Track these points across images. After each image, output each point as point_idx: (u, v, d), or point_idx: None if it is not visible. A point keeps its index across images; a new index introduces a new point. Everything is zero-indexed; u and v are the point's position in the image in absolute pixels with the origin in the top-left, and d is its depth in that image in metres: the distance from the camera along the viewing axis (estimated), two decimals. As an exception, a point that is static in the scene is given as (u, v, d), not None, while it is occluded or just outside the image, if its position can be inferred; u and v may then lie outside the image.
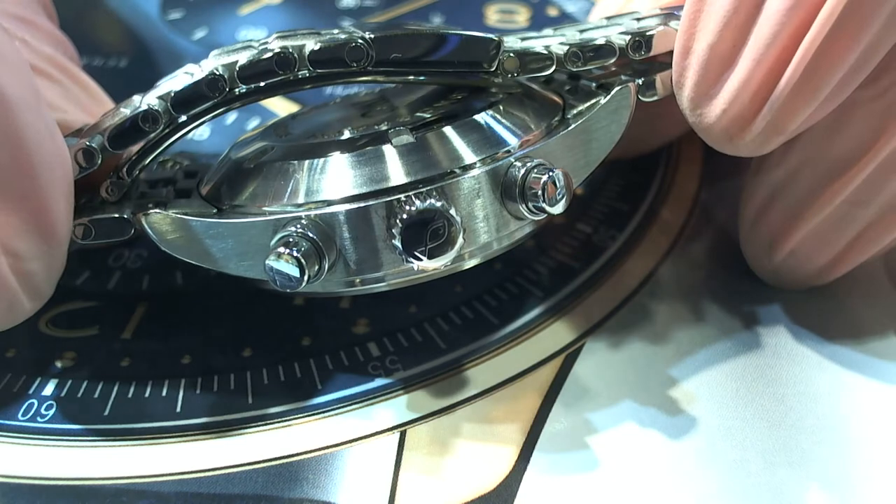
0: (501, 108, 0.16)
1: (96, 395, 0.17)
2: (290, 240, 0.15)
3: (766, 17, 0.15)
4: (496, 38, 0.16)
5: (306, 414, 0.17)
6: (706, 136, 0.16)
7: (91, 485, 0.16)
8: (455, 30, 0.16)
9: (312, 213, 0.15)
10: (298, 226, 0.15)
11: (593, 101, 0.17)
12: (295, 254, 0.14)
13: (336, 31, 0.17)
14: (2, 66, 0.15)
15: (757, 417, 0.17)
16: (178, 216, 0.16)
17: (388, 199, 0.15)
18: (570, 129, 0.16)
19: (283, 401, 0.17)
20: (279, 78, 0.15)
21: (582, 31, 0.18)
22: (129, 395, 0.17)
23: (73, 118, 0.19)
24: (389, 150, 0.15)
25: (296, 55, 0.15)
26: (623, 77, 0.17)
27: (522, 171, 0.15)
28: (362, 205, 0.15)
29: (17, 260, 0.15)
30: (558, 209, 0.15)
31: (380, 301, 0.19)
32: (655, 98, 0.17)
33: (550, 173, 0.15)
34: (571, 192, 0.15)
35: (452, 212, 0.14)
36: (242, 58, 0.15)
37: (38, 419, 0.17)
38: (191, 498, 0.15)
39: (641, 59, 0.17)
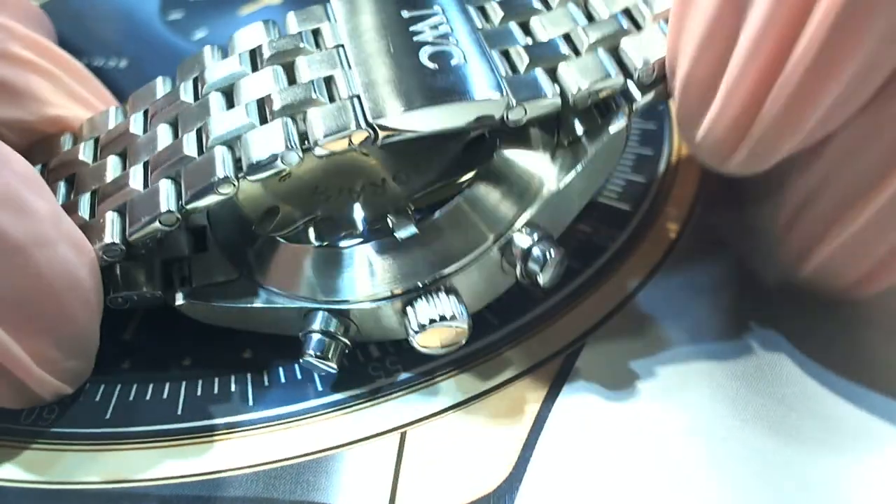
0: (498, 166, 0.17)
1: (98, 398, 0.17)
2: (316, 339, 0.16)
3: (738, 49, 0.14)
4: (505, 98, 0.16)
5: (307, 416, 0.17)
6: (697, 155, 0.16)
7: (94, 489, 0.16)
8: (463, 96, 0.16)
9: (332, 307, 0.17)
10: (320, 319, 0.16)
11: (583, 150, 0.17)
12: (323, 354, 0.16)
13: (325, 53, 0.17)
14: (4, 211, 0.14)
15: (757, 418, 0.17)
16: (208, 305, 0.17)
17: (401, 298, 0.16)
18: (564, 185, 0.17)
19: (283, 403, 0.17)
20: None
21: (593, 37, 0.17)
22: (131, 397, 0.17)
23: (70, 114, 0.19)
24: (394, 246, 0.16)
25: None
26: (617, 101, 0.17)
27: (527, 242, 0.16)
28: (375, 305, 0.16)
29: (53, 364, 0.16)
30: (548, 285, 0.16)
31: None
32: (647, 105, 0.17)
33: (550, 252, 0.16)
34: (564, 268, 0.16)
35: (462, 310, 0.16)
36: (250, 150, 0.16)
37: (41, 423, 0.17)
38: (192, 501, 0.15)
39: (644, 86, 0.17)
